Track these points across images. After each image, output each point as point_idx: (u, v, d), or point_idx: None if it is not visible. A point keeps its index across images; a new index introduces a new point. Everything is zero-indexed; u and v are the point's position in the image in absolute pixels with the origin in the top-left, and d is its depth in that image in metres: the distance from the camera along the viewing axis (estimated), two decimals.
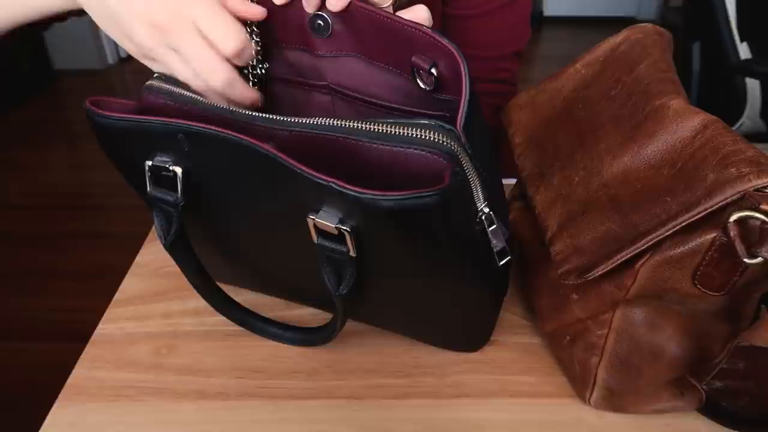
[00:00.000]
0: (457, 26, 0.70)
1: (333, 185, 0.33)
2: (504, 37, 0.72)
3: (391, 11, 0.40)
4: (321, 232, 0.37)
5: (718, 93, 1.68)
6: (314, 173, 0.34)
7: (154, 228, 0.63)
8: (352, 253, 0.37)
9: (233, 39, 0.41)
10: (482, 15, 0.69)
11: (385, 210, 0.32)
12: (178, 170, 0.40)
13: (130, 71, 3.22)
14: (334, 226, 0.35)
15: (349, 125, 0.36)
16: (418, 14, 0.40)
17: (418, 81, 0.40)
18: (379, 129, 0.35)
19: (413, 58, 0.39)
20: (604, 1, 3.63)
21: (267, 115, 0.38)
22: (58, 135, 2.63)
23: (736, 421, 0.41)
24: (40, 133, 2.63)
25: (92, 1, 0.42)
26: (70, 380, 0.47)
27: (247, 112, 0.39)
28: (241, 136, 0.36)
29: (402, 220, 0.33)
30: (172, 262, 0.49)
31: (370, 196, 0.32)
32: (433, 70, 0.38)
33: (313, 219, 0.36)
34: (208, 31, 0.40)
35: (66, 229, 2.00)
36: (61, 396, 0.45)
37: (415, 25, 0.38)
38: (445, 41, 0.37)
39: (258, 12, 0.42)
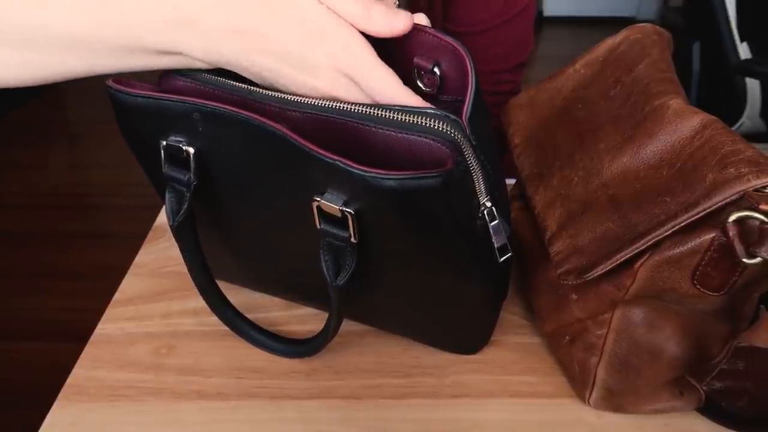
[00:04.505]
0: None
1: (339, 164, 0.34)
2: (506, 51, 0.72)
3: None
4: (324, 216, 0.37)
5: (718, 93, 1.69)
6: (321, 152, 0.35)
7: (153, 228, 0.63)
8: (353, 239, 0.37)
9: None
10: (484, 31, 0.69)
11: (388, 189, 0.33)
12: (191, 150, 0.41)
13: (129, 71, 3.21)
14: (338, 208, 0.36)
15: (359, 110, 0.36)
16: (418, 21, 0.40)
17: (420, 84, 0.40)
18: (387, 115, 0.36)
19: (415, 59, 0.39)
20: (604, 1, 3.63)
21: (282, 96, 0.38)
22: (58, 135, 2.63)
23: (735, 422, 0.41)
24: (40, 133, 2.63)
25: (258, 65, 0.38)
26: (70, 380, 0.47)
27: (263, 92, 0.39)
28: (254, 116, 0.37)
29: (404, 201, 0.34)
30: (172, 262, 0.50)
31: (373, 174, 0.33)
32: (436, 69, 0.38)
33: (318, 201, 0.36)
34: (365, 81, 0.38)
35: (66, 229, 2.00)
36: (60, 396, 0.45)
37: (416, 27, 0.38)
38: (448, 38, 0.37)
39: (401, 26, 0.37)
